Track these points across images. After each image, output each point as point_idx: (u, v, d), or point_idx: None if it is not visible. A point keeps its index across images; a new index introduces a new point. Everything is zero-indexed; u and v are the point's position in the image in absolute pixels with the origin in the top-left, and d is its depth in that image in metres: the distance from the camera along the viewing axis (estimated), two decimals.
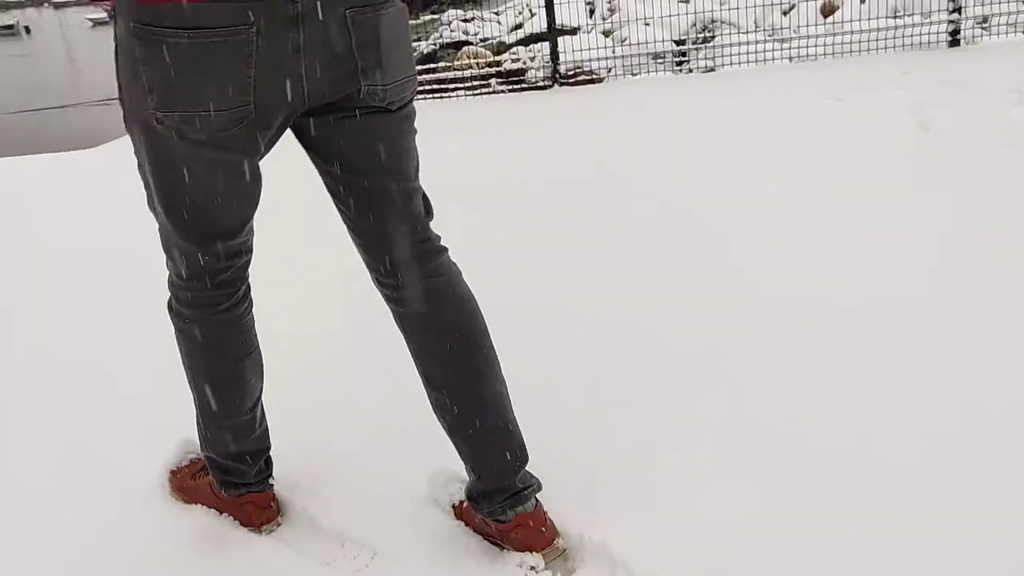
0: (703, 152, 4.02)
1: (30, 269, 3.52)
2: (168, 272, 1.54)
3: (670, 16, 6.60)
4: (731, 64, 5.89)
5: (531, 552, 1.52)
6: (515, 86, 5.78)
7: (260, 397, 1.67)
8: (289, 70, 1.26)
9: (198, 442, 1.73)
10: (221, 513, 1.77)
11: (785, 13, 6.98)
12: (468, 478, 1.58)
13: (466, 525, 1.64)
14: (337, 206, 1.47)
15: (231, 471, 1.69)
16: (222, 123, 1.26)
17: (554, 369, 2.19)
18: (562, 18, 8.38)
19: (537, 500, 1.55)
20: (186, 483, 1.84)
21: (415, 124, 1.45)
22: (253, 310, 1.60)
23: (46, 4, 67.59)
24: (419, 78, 6.08)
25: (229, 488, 1.71)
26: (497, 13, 12.84)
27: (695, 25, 7.07)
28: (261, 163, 1.42)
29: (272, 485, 1.75)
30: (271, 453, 1.74)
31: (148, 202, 1.46)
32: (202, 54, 1.20)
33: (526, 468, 1.55)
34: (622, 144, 4.33)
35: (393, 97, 1.36)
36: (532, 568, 1.52)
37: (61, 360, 2.64)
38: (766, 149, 3.96)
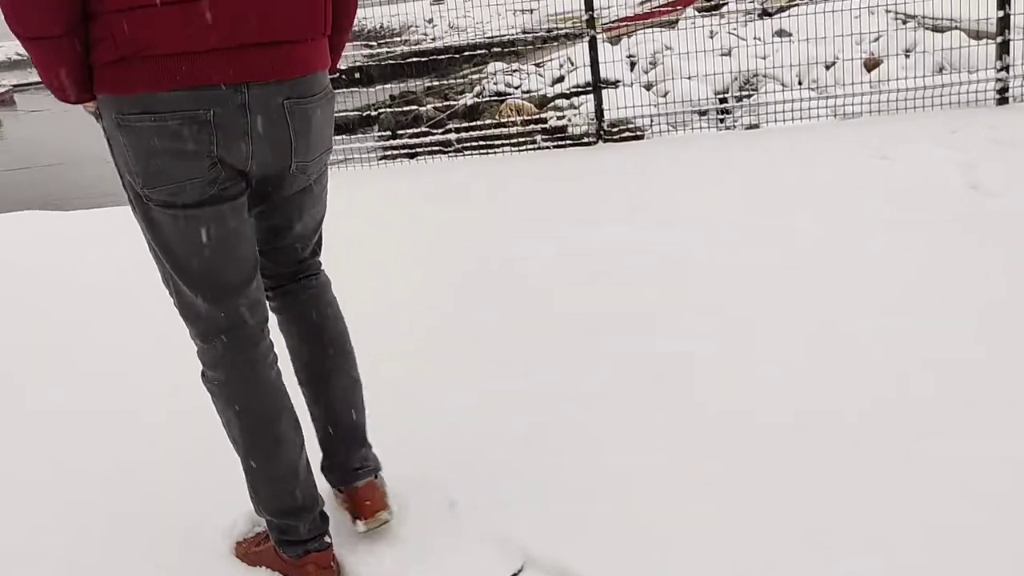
0: (745, 215, 3.97)
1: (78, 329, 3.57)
2: (194, 345, 1.71)
3: (713, 75, 6.61)
4: (775, 121, 5.88)
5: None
6: (560, 142, 5.83)
7: (302, 451, 1.76)
8: (242, 146, 1.53)
9: (253, 508, 1.82)
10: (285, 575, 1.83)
11: (828, 67, 6.98)
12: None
13: None
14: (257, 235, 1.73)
15: (287, 529, 1.77)
16: (201, 189, 1.53)
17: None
18: (604, 72, 8.48)
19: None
20: (251, 550, 1.92)
21: (325, 185, 1.81)
22: (278, 365, 1.74)
23: None
24: (465, 134, 6.15)
25: (288, 548, 1.79)
26: (539, 65, 13.02)
27: (737, 80, 7.10)
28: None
29: (330, 543, 1.81)
30: (325, 509, 1.83)
31: (163, 280, 1.68)
32: (174, 135, 1.48)
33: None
34: (664, 205, 4.33)
35: (314, 170, 1.71)
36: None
37: (118, 428, 2.67)
38: (811, 211, 3.92)
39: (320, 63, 1.63)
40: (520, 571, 1.80)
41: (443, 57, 7.40)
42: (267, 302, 1.78)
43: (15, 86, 42.33)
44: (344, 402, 1.87)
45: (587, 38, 5.95)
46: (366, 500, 1.86)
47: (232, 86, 1.48)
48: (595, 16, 5.89)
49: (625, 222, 4.10)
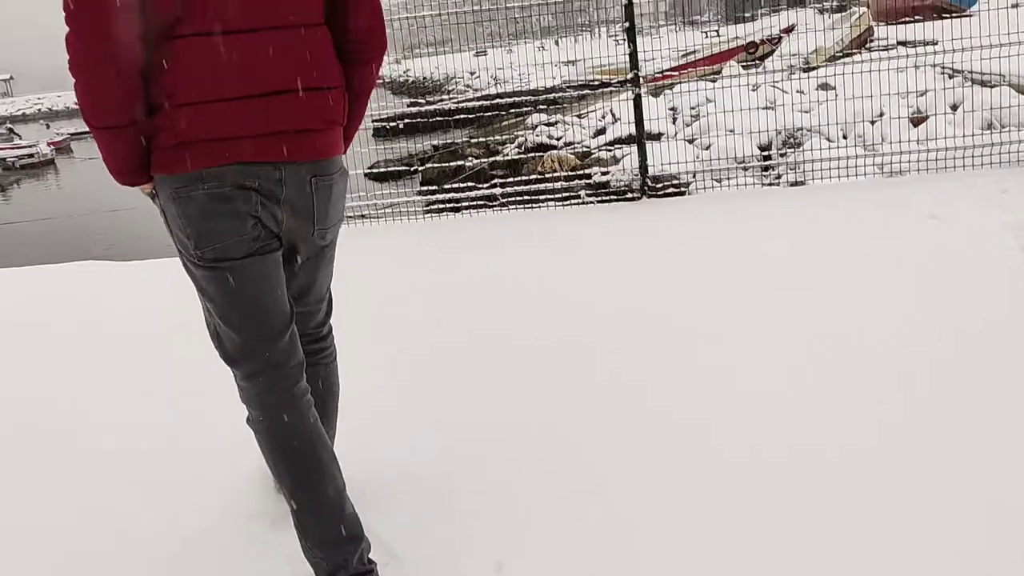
0: (793, 284, 3.86)
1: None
2: (238, 387, 1.94)
3: (757, 131, 6.60)
4: (820, 177, 5.83)
5: None
6: (604, 198, 5.84)
7: (343, 486, 1.92)
8: (277, 212, 1.86)
9: (304, 554, 1.94)
10: None
11: (872, 122, 6.93)
12: None
13: None
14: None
15: (335, 570, 1.88)
16: (246, 245, 1.82)
17: None
18: (647, 125, 8.50)
19: None
20: None
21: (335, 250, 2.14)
22: (314, 408, 1.95)
23: None
24: (508, 189, 6.17)
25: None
26: (580, 116, 13.13)
27: (780, 134, 7.08)
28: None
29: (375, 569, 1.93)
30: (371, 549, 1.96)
31: (208, 329, 1.94)
32: (224, 199, 1.78)
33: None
34: (707, 264, 4.29)
35: (329, 236, 2.04)
36: None
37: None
38: (860, 277, 3.85)
39: (337, 149, 1.98)
40: None
41: (488, 113, 7.46)
42: (303, 362, 1.98)
43: (72, 134, 43.72)
44: None
45: (632, 96, 5.96)
46: None
47: (271, 164, 1.81)
48: (639, 75, 5.91)
49: (667, 279, 4.07)
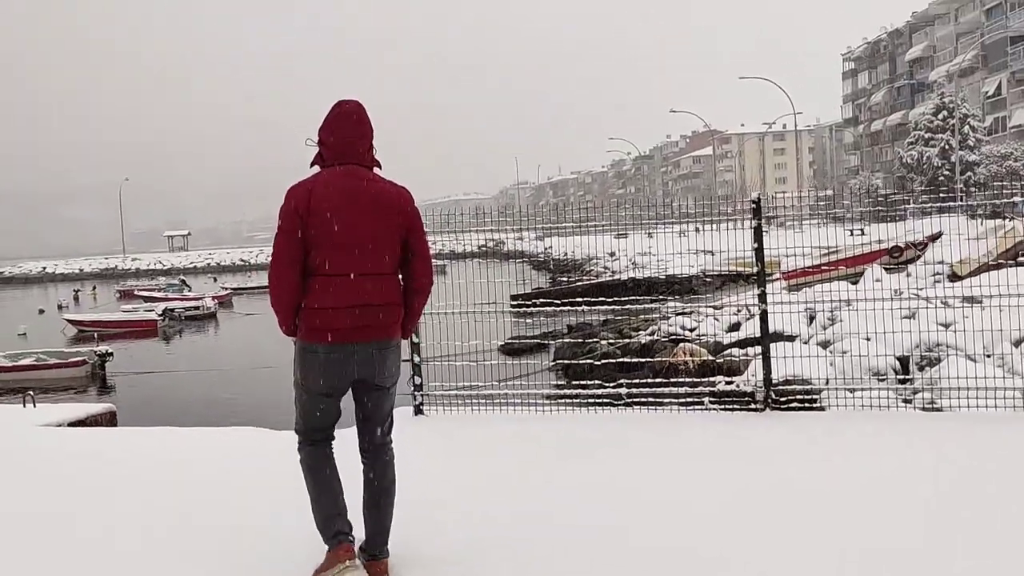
0: (922, 532, 3.60)
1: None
2: (297, 439, 3.43)
3: (893, 337, 6.48)
4: (958, 402, 5.52)
5: None
6: (728, 405, 5.75)
7: (341, 493, 3.37)
8: (350, 369, 3.31)
9: (319, 532, 3.35)
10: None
11: (1016, 345, 6.66)
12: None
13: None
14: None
15: (327, 529, 3.32)
16: (327, 387, 3.32)
17: None
18: (781, 323, 8.42)
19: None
20: (319, 571, 3.33)
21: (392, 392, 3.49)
22: (334, 458, 3.45)
23: None
24: (633, 389, 6.09)
25: (330, 541, 3.30)
26: (717, 308, 13.16)
27: (919, 346, 6.91)
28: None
29: (352, 540, 3.32)
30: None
31: (296, 410, 3.42)
32: (325, 361, 3.28)
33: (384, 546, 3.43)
34: (821, 497, 4.14)
35: (387, 382, 3.40)
36: None
37: None
38: (996, 524, 3.62)
39: (393, 332, 3.40)
40: None
41: (623, 296, 7.58)
42: (336, 420, 3.45)
43: (234, 289, 46.87)
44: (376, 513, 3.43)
45: (758, 312, 5.89)
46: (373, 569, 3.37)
47: (355, 344, 3.31)
48: (766, 292, 5.83)
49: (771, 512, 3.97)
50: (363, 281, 3.24)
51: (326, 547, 3.27)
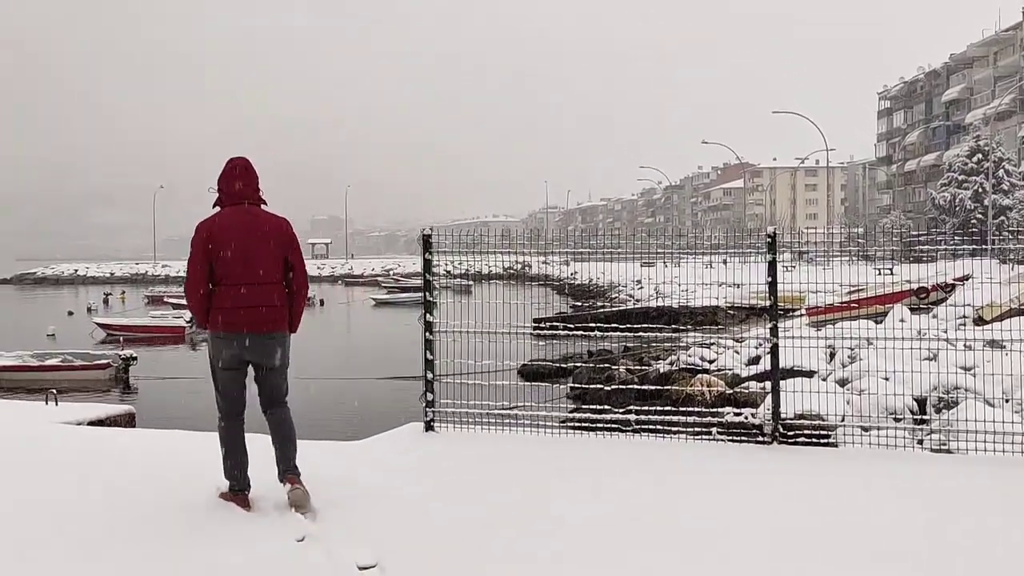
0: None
1: None
2: (218, 414, 4.57)
3: (911, 376, 6.43)
4: (972, 445, 5.44)
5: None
6: (736, 437, 5.72)
7: (245, 451, 4.50)
8: (244, 351, 4.49)
9: (224, 476, 4.51)
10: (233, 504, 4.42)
11: None
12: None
13: None
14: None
15: (231, 479, 4.48)
16: (228, 362, 4.52)
17: None
18: (800, 358, 8.37)
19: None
20: (223, 495, 4.49)
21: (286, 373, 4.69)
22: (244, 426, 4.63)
23: (340, 281, 77.17)
24: (645, 416, 6.07)
25: (234, 488, 4.46)
26: (738, 340, 13.10)
27: (936, 388, 6.85)
28: None
29: (249, 489, 4.47)
30: (250, 476, 4.49)
31: (215, 392, 4.60)
32: (225, 344, 4.49)
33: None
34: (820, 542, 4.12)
35: (274, 364, 4.57)
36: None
37: None
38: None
39: (278, 326, 4.54)
40: None
41: (645, 325, 7.59)
42: (245, 404, 4.58)
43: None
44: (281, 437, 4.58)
45: (770, 346, 5.85)
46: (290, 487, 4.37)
47: (245, 333, 4.47)
48: (778, 327, 5.80)
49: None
50: (252, 289, 4.43)
51: (227, 484, 4.45)
